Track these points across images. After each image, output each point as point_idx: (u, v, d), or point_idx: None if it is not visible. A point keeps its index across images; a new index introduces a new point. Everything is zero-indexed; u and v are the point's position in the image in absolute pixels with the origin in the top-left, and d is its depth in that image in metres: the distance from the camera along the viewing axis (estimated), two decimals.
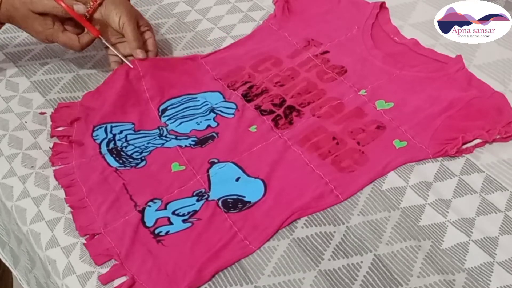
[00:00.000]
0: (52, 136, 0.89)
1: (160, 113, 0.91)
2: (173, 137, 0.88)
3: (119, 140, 0.87)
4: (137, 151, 0.86)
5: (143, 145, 0.86)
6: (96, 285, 0.71)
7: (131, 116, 0.90)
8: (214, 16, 1.09)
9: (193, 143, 0.86)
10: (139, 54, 0.93)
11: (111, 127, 0.89)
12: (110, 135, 0.88)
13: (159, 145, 0.86)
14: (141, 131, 0.89)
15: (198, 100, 0.93)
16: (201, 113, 0.91)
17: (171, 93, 0.94)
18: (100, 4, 0.91)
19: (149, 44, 0.96)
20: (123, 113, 0.91)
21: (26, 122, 0.91)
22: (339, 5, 1.08)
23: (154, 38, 0.97)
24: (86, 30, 0.92)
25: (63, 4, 0.87)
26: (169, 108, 0.92)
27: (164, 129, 0.89)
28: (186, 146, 0.86)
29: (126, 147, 0.86)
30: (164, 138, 0.88)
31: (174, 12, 1.11)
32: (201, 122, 0.89)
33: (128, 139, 0.87)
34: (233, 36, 1.05)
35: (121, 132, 0.88)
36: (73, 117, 0.90)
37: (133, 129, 0.89)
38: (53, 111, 0.92)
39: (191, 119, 0.90)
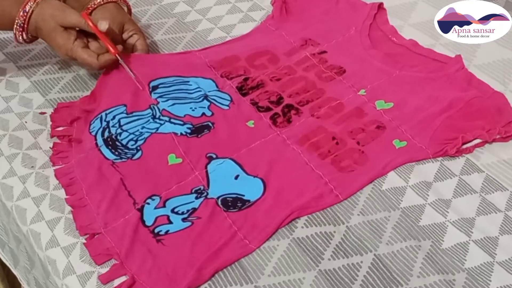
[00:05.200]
0: (52, 136, 0.89)
1: (150, 89, 0.91)
2: (167, 119, 0.87)
3: (113, 126, 0.87)
4: (131, 139, 0.85)
5: (137, 130, 0.86)
6: (96, 285, 0.71)
7: (123, 99, 0.90)
8: (214, 16, 1.09)
9: (189, 131, 0.86)
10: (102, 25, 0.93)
11: (106, 114, 0.89)
12: (104, 123, 0.88)
13: (153, 130, 0.86)
14: (134, 113, 0.89)
15: (191, 85, 0.93)
16: (194, 99, 0.91)
17: (162, 73, 0.94)
18: (93, 10, 0.95)
19: (137, 44, 0.97)
20: (116, 98, 0.91)
21: (26, 122, 0.91)
22: (337, 6, 1.08)
23: (143, 39, 0.98)
24: (106, 50, 0.93)
25: (89, 22, 0.90)
26: (160, 86, 0.92)
27: (156, 108, 0.89)
28: (181, 134, 0.85)
29: (120, 134, 0.86)
30: (157, 121, 0.87)
31: (174, 12, 1.11)
32: (195, 108, 0.89)
33: (121, 124, 0.87)
34: (233, 36, 1.05)
35: (114, 117, 0.88)
36: (73, 117, 0.90)
37: (125, 111, 0.89)
38: (53, 111, 0.92)
39: (185, 103, 0.90)
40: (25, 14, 0.89)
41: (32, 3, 0.89)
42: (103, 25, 0.90)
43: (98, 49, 0.92)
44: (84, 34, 0.92)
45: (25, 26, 0.90)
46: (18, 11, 0.89)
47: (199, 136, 0.85)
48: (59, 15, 0.89)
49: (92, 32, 0.91)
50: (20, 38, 0.92)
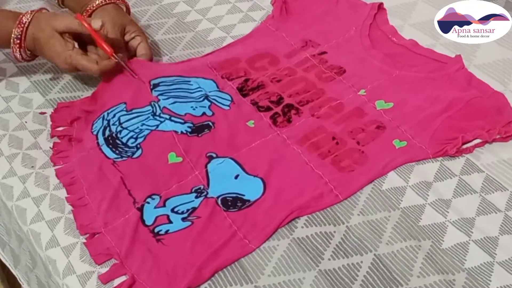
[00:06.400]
0: (52, 136, 0.89)
1: (151, 87, 0.91)
2: (167, 117, 0.87)
3: (113, 124, 0.87)
4: (132, 137, 0.85)
5: (137, 127, 0.86)
6: (96, 284, 0.72)
7: (123, 97, 0.90)
8: (214, 16, 1.09)
9: (189, 129, 0.86)
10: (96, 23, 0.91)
11: (107, 114, 0.89)
12: (105, 122, 0.88)
13: (153, 127, 0.86)
14: (134, 110, 0.88)
15: (191, 84, 0.93)
16: (195, 98, 0.90)
17: (163, 73, 0.94)
18: (93, 12, 0.95)
19: (140, 48, 0.97)
20: (117, 97, 0.91)
21: (26, 122, 0.91)
22: (337, 6, 1.08)
23: (146, 42, 0.98)
24: (106, 58, 0.92)
25: (83, 22, 0.88)
26: (160, 84, 0.92)
27: (157, 105, 0.89)
28: (182, 132, 0.85)
29: (120, 131, 0.86)
30: (158, 118, 0.87)
31: (174, 12, 1.11)
32: (196, 107, 0.89)
33: (121, 121, 0.87)
34: (233, 36, 1.05)
35: (114, 115, 0.88)
36: (73, 117, 0.90)
37: (125, 109, 0.89)
38: (53, 111, 0.92)
39: (185, 102, 0.90)
40: (22, 25, 0.88)
41: (28, 16, 0.89)
42: (97, 23, 0.89)
43: (98, 59, 0.91)
44: (83, 46, 0.92)
45: (22, 39, 0.89)
46: (14, 24, 0.88)
47: (199, 135, 0.85)
48: (53, 19, 0.89)
49: (91, 42, 0.91)
50: (18, 53, 0.91)
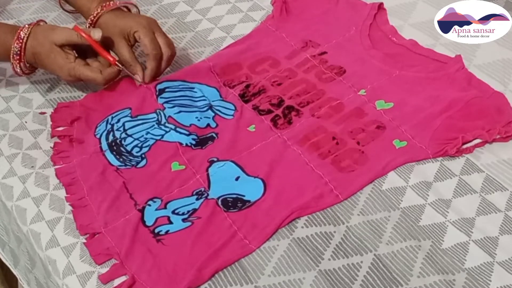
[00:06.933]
0: (52, 136, 0.89)
1: (157, 93, 0.91)
2: (173, 127, 0.87)
3: (118, 130, 0.87)
4: (136, 145, 0.85)
5: (142, 136, 0.86)
6: (96, 284, 0.72)
7: (129, 102, 0.90)
8: (214, 16, 1.09)
9: (194, 142, 0.86)
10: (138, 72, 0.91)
11: (112, 117, 0.89)
12: (109, 126, 0.88)
13: (158, 137, 0.86)
14: (139, 117, 0.89)
15: (196, 92, 0.93)
16: (200, 108, 0.91)
17: (167, 77, 0.94)
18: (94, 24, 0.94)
19: (143, 47, 0.91)
20: (122, 101, 0.91)
21: (26, 122, 0.91)
22: (337, 6, 1.08)
23: (145, 36, 0.90)
24: (109, 64, 0.91)
25: (83, 34, 0.87)
26: (166, 90, 0.92)
27: (162, 113, 0.89)
28: (186, 145, 0.86)
29: (125, 138, 0.86)
30: (163, 127, 0.87)
31: (174, 12, 1.11)
32: (201, 118, 0.89)
33: (126, 127, 0.87)
34: (233, 36, 1.05)
35: (118, 120, 0.88)
36: (73, 116, 0.90)
37: (130, 115, 0.89)
38: (53, 111, 0.92)
39: (190, 111, 0.90)
40: (20, 41, 0.87)
41: (26, 30, 0.88)
42: (97, 34, 0.88)
43: (100, 67, 0.90)
44: (83, 57, 0.91)
45: (22, 54, 0.88)
46: (12, 39, 0.88)
47: (203, 148, 0.85)
48: (51, 34, 0.88)
49: (90, 49, 0.90)
50: (18, 68, 0.90)
